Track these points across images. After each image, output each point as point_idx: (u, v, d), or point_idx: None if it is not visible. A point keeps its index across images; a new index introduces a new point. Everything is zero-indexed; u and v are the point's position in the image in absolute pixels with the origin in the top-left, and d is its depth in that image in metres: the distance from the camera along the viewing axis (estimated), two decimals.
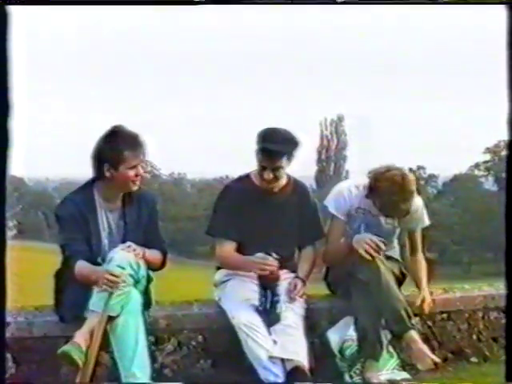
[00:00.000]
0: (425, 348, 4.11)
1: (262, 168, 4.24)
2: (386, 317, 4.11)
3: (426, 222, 4.56)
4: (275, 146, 4.17)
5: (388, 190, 4.18)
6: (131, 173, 3.99)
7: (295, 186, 4.46)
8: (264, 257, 4.12)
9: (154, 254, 4.12)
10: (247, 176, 4.42)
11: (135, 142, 4.01)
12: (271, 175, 4.23)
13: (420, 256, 4.60)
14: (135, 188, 4.06)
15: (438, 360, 4.08)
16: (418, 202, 4.43)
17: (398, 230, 4.54)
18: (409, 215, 4.35)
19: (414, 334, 4.11)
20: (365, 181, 4.33)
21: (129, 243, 3.99)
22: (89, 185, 4.11)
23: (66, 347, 3.76)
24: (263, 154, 4.21)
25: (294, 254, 4.49)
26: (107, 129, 4.03)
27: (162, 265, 4.20)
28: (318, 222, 4.50)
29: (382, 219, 4.43)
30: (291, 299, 4.20)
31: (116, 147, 3.95)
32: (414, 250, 4.60)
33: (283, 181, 4.39)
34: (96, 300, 3.85)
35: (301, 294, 4.26)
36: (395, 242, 4.57)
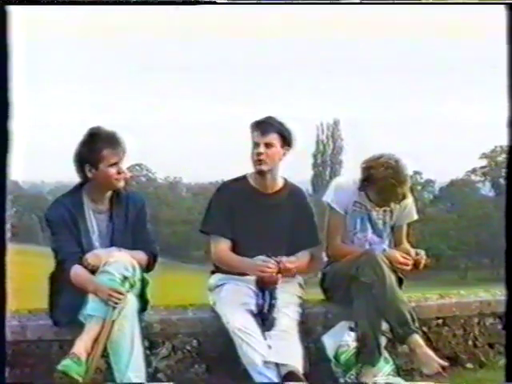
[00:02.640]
0: (430, 351, 4.10)
1: (255, 145, 4.27)
2: (390, 320, 4.10)
3: (415, 216, 4.64)
4: (267, 120, 4.30)
5: (383, 174, 4.27)
6: (112, 170, 4.02)
7: (292, 190, 4.46)
8: (265, 259, 4.12)
9: (138, 255, 4.07)
10: (244, 177, 4.43)
11: (112, 140, 4.04)
12: (262, 149, 4.25)
13: (405, 245, 4.61)
14: (120, 185, 4.09)
15: (444, 363, 4.06)
16: (408, 197, 4.49)
17: (389, 226, 4.56)
18: (402, 208, 4.50)
19: (418, 338, 4.10)
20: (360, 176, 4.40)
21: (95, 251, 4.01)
22: (78, 188, 4.13)
23: (64, 363, 3.69)
24: (256, 129, 4.28)
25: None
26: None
27: (150, 265, 4.16)
28: (313, 228, 4.48)
29: (374, 214, 4.49)
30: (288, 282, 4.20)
31: (93, 147, 3.99)
32: (399, 242, 4.62)
33: (279, 183, 4.40)
34: (94, 305, 3.83)
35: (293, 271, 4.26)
36: (386, 239, 4.57)
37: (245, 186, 4.39)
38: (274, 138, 4.27)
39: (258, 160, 4.28)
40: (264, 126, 4.28)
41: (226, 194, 4.39)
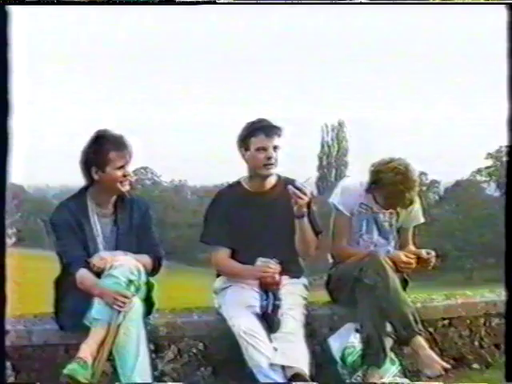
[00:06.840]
0: (433, 354, 4.09)
1: (262, 149, 4.22)
2: (394, 321, 4.09)
3: (422, 219, 4.62)
4: (265, 122, 4.27)
5: (392, 179, 4.26)
6: (118, 173, 4.04)
7: (286, 183, 4.40)
8: (266, 260, 4.12)
9: (143, 259, 4.08)
10: (238, 183, 4.42)
11: (119, 143, 4.06)
12: (273, 153, 4.23)
13: (411, 247, 4.60)
14: (125, 189, 4.10)
15: (447, 366, 4.06)
16: (416, 202, 4.48)
17: (395, 228, 4.55)
18: (409, 211, 4.49)
19: (421, 340, 4.09)
20: (367, 178, 4.41)
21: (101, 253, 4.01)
22: (82, 191, 4.15)
23: (70, 367, 3.68)
24: (262, 133, 4.22)
25: (298, 258, 4.42)
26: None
27: (155, 269, 4.17)
28: (313, 216, 4.39)
29: (381, 216, 4.48)
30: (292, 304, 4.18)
31: (100, 149, 4.02)
32: (405, 244, 4.61)
33: (272, 180, 4.37)
34: (99, 308, 3.84)
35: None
36: (392, 241, 4.56)
37: (240, 192, 4.37)
38: (278, 139, 4.25)
39: (267, 164, 4.26)
40: (269, 128, 4.24)
41: (221, 203, 4.38)
